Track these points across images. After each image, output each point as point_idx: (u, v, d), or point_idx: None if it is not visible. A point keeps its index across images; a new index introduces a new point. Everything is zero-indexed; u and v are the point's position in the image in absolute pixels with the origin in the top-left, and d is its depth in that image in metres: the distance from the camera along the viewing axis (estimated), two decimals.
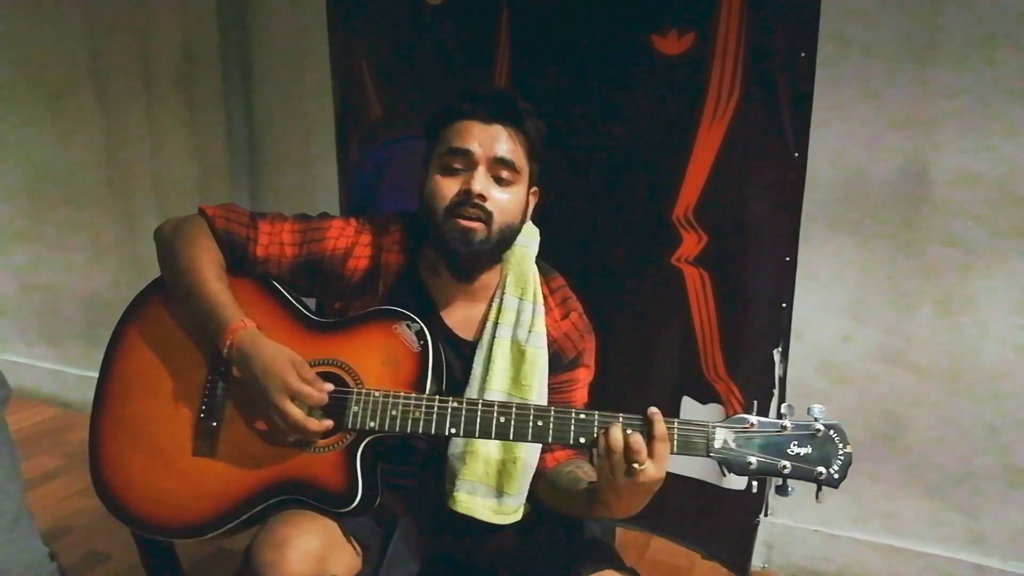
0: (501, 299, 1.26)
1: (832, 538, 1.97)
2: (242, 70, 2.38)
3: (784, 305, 1.88)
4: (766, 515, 2.01)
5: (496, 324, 1.24)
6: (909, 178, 1.74)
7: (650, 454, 1.01)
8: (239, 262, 1.26)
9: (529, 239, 1.32)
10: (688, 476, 2.07)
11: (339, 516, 1.12)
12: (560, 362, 1.28)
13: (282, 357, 1.13)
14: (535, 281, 1.29)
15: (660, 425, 1.02)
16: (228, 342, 1.15)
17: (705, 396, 2.02)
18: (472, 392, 1.22)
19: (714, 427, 1.03)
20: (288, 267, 1.26)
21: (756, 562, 2.04)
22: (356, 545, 1.13)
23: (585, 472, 1.20)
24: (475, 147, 1.18)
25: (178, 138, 2.47)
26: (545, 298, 1.29)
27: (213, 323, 1.17)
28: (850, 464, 1.01)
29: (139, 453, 1.19)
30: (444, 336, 1.25)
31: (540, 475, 1.23)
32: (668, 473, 2.01)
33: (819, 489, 1.02)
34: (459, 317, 1.28)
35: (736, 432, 1.03)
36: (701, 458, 1.93)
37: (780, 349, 1.91)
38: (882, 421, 1.87)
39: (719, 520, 2.05)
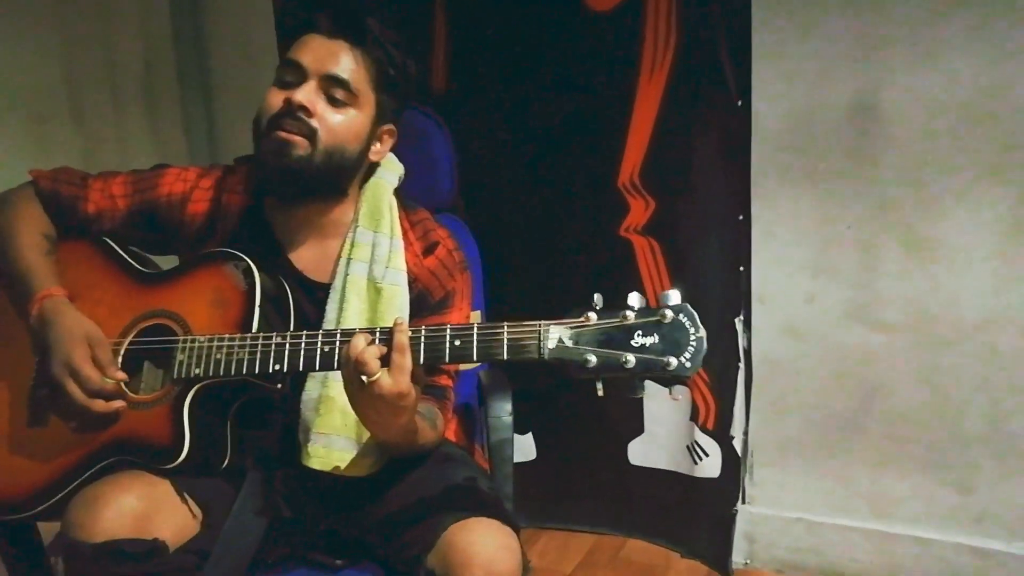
0: (354, 233, 1.16)
1: (817, 526, 1.77)
2: (200, 81, 2.40)
3: (742, 269, 1.75)
4: (743, 502, 1.84)
5: (349, 260, 1.15)
6: (860, 114, 1.59)
7: (386, 363, 0.94)
8: (72, 225, 1.20)
9: (388, 172, 1.23)
10: (658, 468, 1.92)
11: (173, 475, 1.04)
12: (426, 303, 1.18)
13: (78, 331, 1.06)
14: (392, 213, 1.19)
15: (399, 335, 0.94)
16: (33, 312, 1.09)
17: (668, 380, 1.87)
18: None
19: (546, 326, 0.90)
20: (121, 219, 1.19)
21: (738, 558, 1.85)
22: (194, 506, 1.04)
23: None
24: (307, 60, 1.10)
25: (143, 149, 2.49)
26: (405, 232, 1.20)
27: (24, 293, 1.11)
28: (704, 351, 0.86)
29: None
30: (295, 279, 1.16)
31: None
32: (635, 466, 1.95)
33: (671, 382, 0.89)
34: (310, 258, 1.18)
35: (572, 328, 0.89)
36: (668, 448, 1.89)
37: (742, 318, 1.76)
38: (858, 388, 1.69)
39: (695, 512, 1.89)
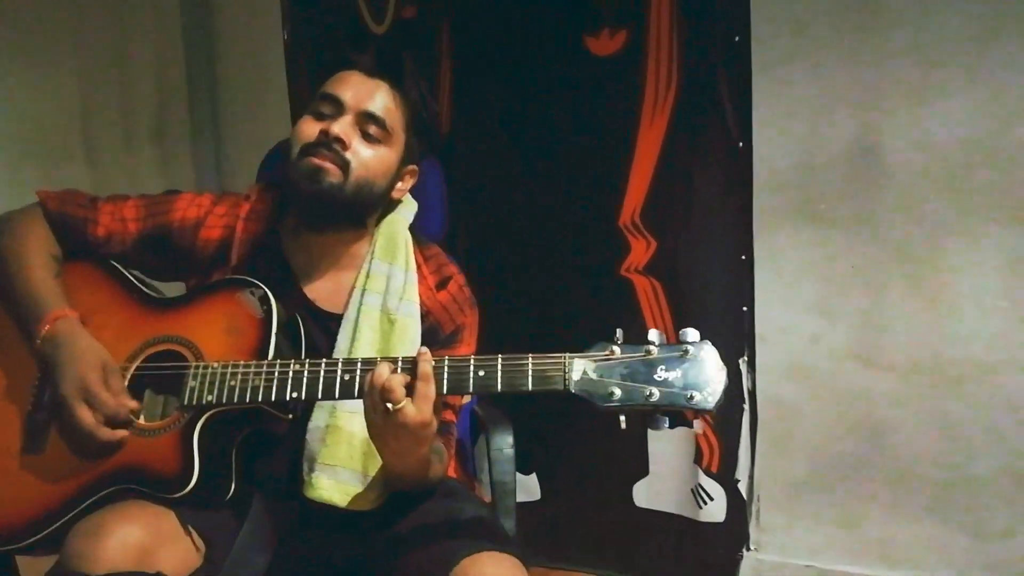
0: (370, 265, 1.18)
1: (826, 574, 1.73)
2: (210, 117, 2.44)
3: (745, 309, 1.74)
4: (749, 549, 1.80)
5: (364, 291, 1.16)
6: (861, 154, 1.60)
7: (411, 393, 0.95)
8: (79, 247, 1.19)
9: (405, 208, 1.26)
10: (660, 511, 1.89)
11: (178, 506, 1.01)
12: (436, 337, 1.18)
13: (92, 355, 1.06)
14: (407, 247, 1.21)
15: (423, 364, 0.95)
16: (42, 332, 1.07)
17: (672, 419, 1.84)
18: None
19: (571, 358, 0.92)
20: (132, 243, 1.19)
21: None
22: (197, 539, 1.02)
23: None
24: (347, 95, 1.14)
25: (154, 188, 2.52)
26: (419, 266, 1.22)
27: (32, 314, 1.10)
28: (725, 386, 0.89)
29: None
30: (306, 309, 1.16)
31: None
32: (641, 509, 1.92)
33: (694, 416, 0.90)
34: (324, 289, 1.19)
35: (597, 362, 0.91)
36: (672, 491, 1.86)
37: (745, 358, 1.75)
38: (864, 430, 1.66)
39: (700, 557, 1.85)
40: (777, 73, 1.64)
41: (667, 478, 1.88)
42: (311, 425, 1.10)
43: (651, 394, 0.89)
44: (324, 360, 1.02)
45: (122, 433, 1.04)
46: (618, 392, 0.90)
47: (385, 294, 1.16)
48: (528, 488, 2.00)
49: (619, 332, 0.93)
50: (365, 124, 1.14)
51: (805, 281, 1.69)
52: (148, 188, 2.54)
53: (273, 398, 1.01)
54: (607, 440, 1.92)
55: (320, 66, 2.15)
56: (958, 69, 1.51)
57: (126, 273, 1.19)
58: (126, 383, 1.08)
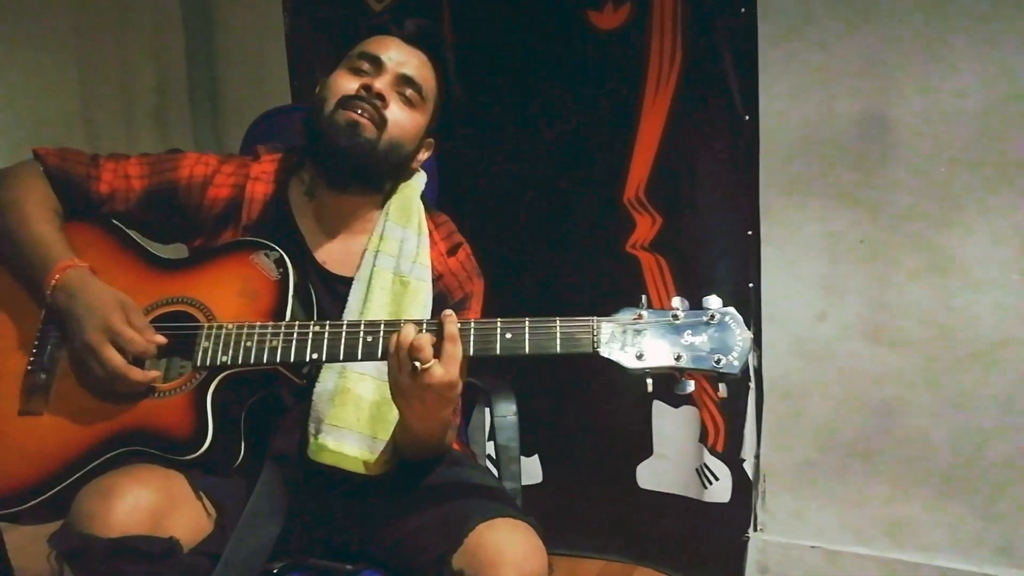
0: (383, 227, 1.16)
1: (833, 555, 1.70)
2: (210, 103, 2.43)
3: (751, 285, 1.71)
4: (756, 530, 1.78)
5: (377, 254, 1.14)
6: (869, 127, 1.56)
7: (438, 354, 0.94)
8: (80, 205, 1.16)
9: (417, 177, 1.25)
10: (667, 492, 1.87)
11: (189, 470, 0.99)
12: (445, 303, 1.16)
13: (110, 297, 1.03)
14: (420, 212, 1.21)
15: (450, 325, 0.94)
16: (52, 282, 1.04)
17: (677, 398, 1.83)
18: None
19: (599, 322, 0.94)
20: (136, 200, 1.17)
21: None
22: (208, 504, 1.00)
23: None
24: (388, 55, 1.14)
25: None
26: (431, 232, 1.21)
27: (38, 265, 1.07)
28: (749, 351, 0.92)
29: None
30: (316, 273, 1.14)
31: None
32: (645, 490, 1.90)
33: (719, 380, 0.93)
34: (333, 252, 1.18)
35: (624, 325, 0.93)
36: (677, 471, 1.83)
37: (751, 336, 1.71)
38: (873, 409, 1.63)
39: (705, 539, 1.83)
40: (784, 45, 1.61)
41: (672, 458, 1.85)
42: (319, 388, 1.08)
43: (679, 357, 0.91)
44: (346, 322, 1.01)
45: (155, 373, 1.02)
46: (646, 355, 0.91)
47: (399, 257, 1.15)
48: (530, 471, 1.97)
49: (644, 298, 0.95)
50: (402, 87, 1.14)
51: (812, 257, 1.66)
52: None
53: (292, 359, 0.99)
54: (610, 421, 1.89)
55: (321, 48, 2.13)
56: (968, 39, 1.48)
57: (130, 233, 1.16)
58: None
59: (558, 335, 0.94)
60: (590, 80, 1.77)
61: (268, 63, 2.29)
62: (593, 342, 0.93)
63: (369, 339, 0.98)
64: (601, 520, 1.96)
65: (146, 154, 1.22)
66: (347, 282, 1.15)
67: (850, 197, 1.61)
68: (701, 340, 0.91)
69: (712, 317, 0.92)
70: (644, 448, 1.88)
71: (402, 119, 1.14)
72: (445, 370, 0.93)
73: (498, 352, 0.95)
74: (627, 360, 0.92)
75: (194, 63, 2.42)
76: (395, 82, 1.13)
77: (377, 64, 1.13)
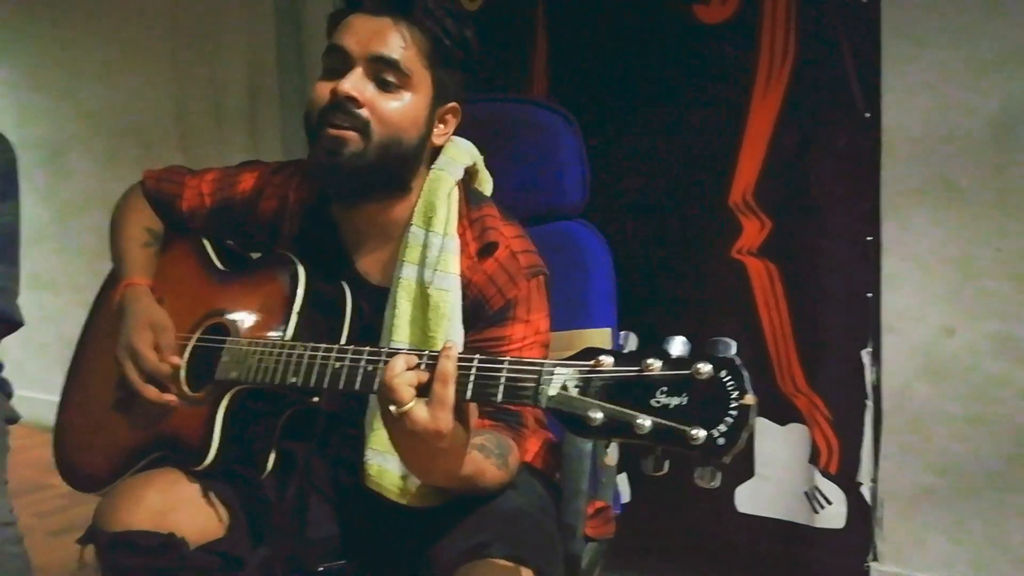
0: (408, 232, 1.05)
1: None
2: (299, 105, 2.42)
3: (870, 296, 1.59)
4: (874, 559, 1.64)
5: (402, 263, 1.04)
6: (1007, 125, 1.44)
7: (427, 393, 0.79)
8: (175, 223, 1.23)
9: (451, 162, 1.09)
10: (770, 517, 1.74)
11: (205, 477, 1.01)
12: (483, 314, 1.03)
13: (143, 318, 1.09)
14: (450, 209, 1.05)
15: (444, 362, 0.79)
16: (115, 300, 1.14)
17: (784, 415, 1.71)
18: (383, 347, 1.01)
19: (552, 367, 0.74)
20: (206, 218, 1.20)
21: None
22: (220, 508, 1.00)
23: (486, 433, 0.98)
24: (351, 43, 0.99)
25: None
26: (463, 232, 1.06)
27: (114, 283, 1.18)
28: (746, 424, 0.65)
29: (77, 408, 1.22)
30: (357, 283, 1.08)
31: None
32: (743, 515, 1.78)
33: (700, 463, 0.67)
34: (374, 261, 1.10)
35: (581, 373, 0.72)
36: (782, 495, 1.71)
37: (870, 350, 1.59)
38: (1008, 433, 1.49)
39: (815, 568, 1.70)
40: (911, 36, 1.49)
41: (776, 481, 1.73)
42: (367, 411, 1.02)
43: (640, 423, 0.67)
44: (323, 346, 0.92)
45: (169, 396, 1.05)
46: (599, 416, 0.69)
47: (421, 264, 1.03)
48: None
49: (630, 337, 0.79)
50: (379, 71, 0.99)
51: (940, 265, 1.53)
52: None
53: (278, 380, 0.94)
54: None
55: None
56: None
57: (206, 246, 1.20)
58: (187, 353, 1.08)
59: (502, 382, 0.77)
60: (695, 76, 1.69)
61: None
62: (537, 393, 0.74)
63: (369, 368, 0.86)
64: (694, 545, 1.85)
65: (225, 168, 1.22)
66: (382, 292, 1.06)
67: (984, 201, 1.48)
68: (678, 402, 0.67)
69: (698, 372, 0.66)
70: (744, 468, 1.76)
71: (388, 111, 0.99)
72: (431, 415, 0.78)
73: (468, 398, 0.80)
74: (574, 422, 0.71)
75: (284, 67, 2.44)
76: (368, 70, 0.99)
77: (344, 56, 0.99)
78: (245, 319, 1.06)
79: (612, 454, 0.73)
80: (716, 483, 0.67)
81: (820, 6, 1.56)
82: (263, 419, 1.03)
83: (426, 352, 0.83)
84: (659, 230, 1.75)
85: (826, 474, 1.65)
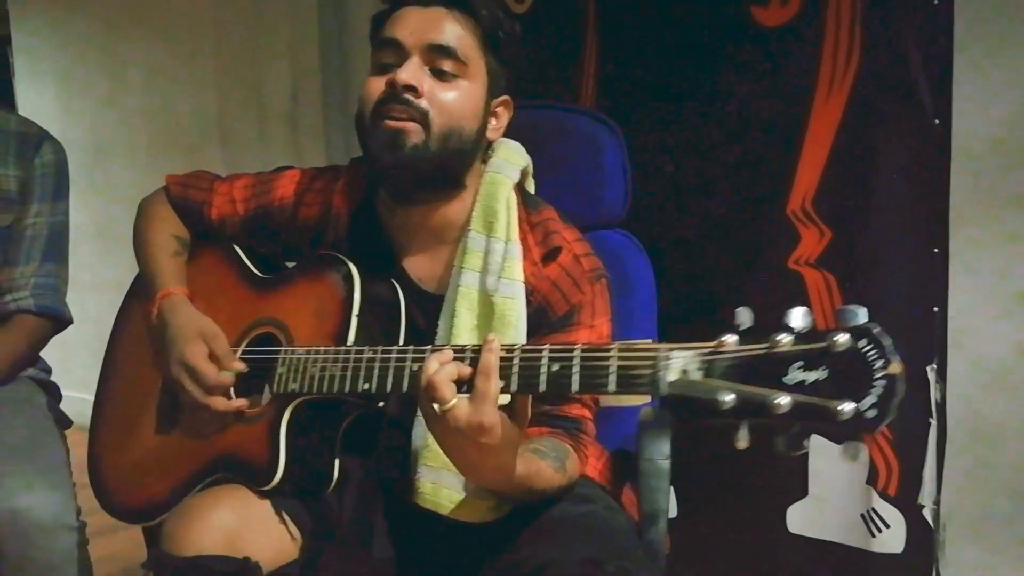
0: (466, 238, 1.03)
1: None
2: (341, 108, 2.42)
3: (936, 310, 1.52)
4: None
5: (461, 270, 1.02)
6: None
7: (470, 389, 0.79)
8: (202, 231, 1.18)
9: (507, 164, 1.07)
10: (823, 539, 1.67)
11: (272, 496, 0.96)
12: (546, 320, 1.01)
13: (192, 327, 1.03)
14: (510, 213, 1.03)
15: (487, 355, 0.78)
16: (154, 312, 1.08)
17: (840, 432, 1.64)
18: None
19: (668, 351, 0.70)
20: (239, 225, 1.15)
21: None
22: (293, 528, 0.95)
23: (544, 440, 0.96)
24: (404, 34, 0.98)
25: None
26: (524, 236, 1.04)
27: (150, 293, 1.12)
28: (898, 395, 0.62)
29: (115, 431, 1.16)
30: (408, 288, 1.05)
31: None
32: (795, 536, 1.71)
33: (845, 437, 0.66)
34: (426, 266, 1.07)
35: (702, 356, 0.68)
36: (837, 516, 1.65)
37: (935, 366, 1.52)
38: None
39: None
40: (986, 41, 1.43)
41: (831, 502, 1.66)
42: (418, 418, 0.99)
43: (779, 403, 0.63)
44: (395, 348, 0.90)
45: (239, 402, 0.98)
46: (730, 398, 0.65)
47: (483, 272, 1.01)
48: None
49: (743, 312, 0.71)
50: (435, 61, 0.98)
51: (1011, 279, 1.46)
52: None
53: (348, 388, 0.91)
54: (759, 454, 1.72)
55: None
56: None
57: (240, 254, 1.16)
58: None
59: (613, 370, 0.74)
60: (753, 80, 1.63)
61: None
62: (655, 380, 0.70)
63: (415, 368, 0.85)
64: (742, 565, 1.78)
65: (258, 174, 1.18)
66: (439, 300, 1.04)
67: None
68: (817, 377, 0.64)
69: (835, 343, 0.63)
70: (798, 488, 1.69)
71: (447, 100, 0.97)
72: (474, 410, 0.77)
73: (544, 389, 0.78)
74: (702, 407, 0.67)
75: (328, 67, 2.43)
76: (425, 60, 0.97)
77: (398, 48, 0.98)
78: (298, 327, 1.01)
79: (743, 439, 0.67)
80: (803, 451, 0.66)
81: (887, 8, 1.50)
82: (323, 431, 0.98)
83: (468, 346, 0.82)
84: (713, 239, 1.70)
85: (884, 496, 1.58)
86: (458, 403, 0.78)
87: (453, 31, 0.98)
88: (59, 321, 1.42)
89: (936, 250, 1.51)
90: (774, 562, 1.74)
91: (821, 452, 1.65)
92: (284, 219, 1.12)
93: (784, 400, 0.63)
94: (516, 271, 1.00)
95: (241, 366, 1.01)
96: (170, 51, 2.86)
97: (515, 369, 0.78)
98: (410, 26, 0.98)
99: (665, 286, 1.70)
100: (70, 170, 1.49)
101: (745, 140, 1.65)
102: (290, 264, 1.18)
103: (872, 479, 1.59)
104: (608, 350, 0.74)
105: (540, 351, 0.78)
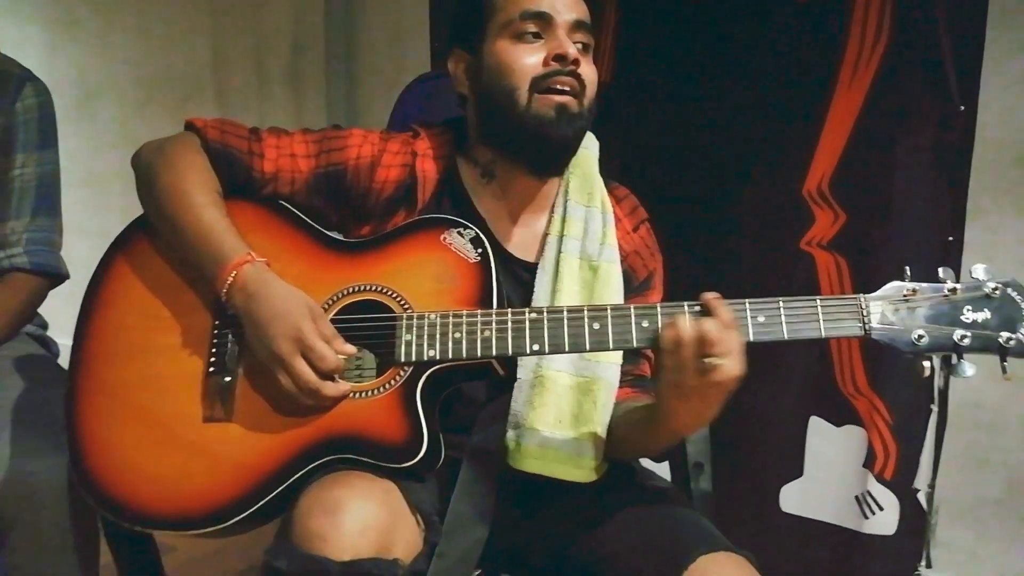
0: (564, 208, 1.06)
1: None
2: (345, 63, 2.35)
3: None
4: (928, 566, 1.59)
5: (561, 238, 1.04)
6: None
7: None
8: (241, 183, 1.05)
9: (591, 142, 1.13)
10: (817, 519, 1.69)
11: (400, 480, 0.88)
12: (630, 284, 1.08)
13: (297, 300, 0.93)
14: (602, 187, 1.10)
15: (725, 313, 0.84)
16: (228, 280, 0.94)
17: (840, 416, 1.65)
18: None
19: (867, 300, 0.87)
20: (303, 183, 1.05)
21: None
22: (420, 519, 0.89)
23: (641, 400, 1.02)
24: (555, 7, 1.00)
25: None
26: (613, 208, 1.11)
27: (210, 259, 0.96)
28: None
29: (132, 425, 0.97)
30: (500, 257, 1.01)
31: None
32: (788, 515, 1.73)
33: (1004, 360, 0.85)
34: (515, 235, 1.08)
35: (895, 303, 0.86)
36: (831, 497, 1.66)
37: (940, 355, 1.53)
38: None
39: (859, 573, 1.64)
40: (1018, 28, 1.42)
41: (825, 482, 1.68)
42: (515, 395, 0.99)
43: (963, 337, 0.84)
44: (565, 307, 0.91)
45: (347, 386, 0.92)
46: (926, 337, 0.85)
47: (584, 239, 1.05)
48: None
49: (907, 269, 0.89)
50: (576, 35, 1.02)
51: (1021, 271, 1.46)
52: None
53: (509, 351, 0.89)
54: (756, 432, 1.73)
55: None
56: None
57: (300, 214, 1.05)
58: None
59: (820, 316, 0.86)
60: (778, 56, 1.60)
61: (407, 25, 2.21)
62: (863, 323, 0.85)
63: (597, 326, 0.88)
64: (733, 541, 1.79)
65: (307, 130, 1.10)
66: (530, 268, 1.05)
67: None
68: (984, 317, 0.85)
69: (994, 290, 0.85)
70: (793, 468, 1.71)
71: (591, 74, 1.02)
72: (733, 362, 0.82)
73: (751, 339, 0.86)
74: (903, 343, 0.85)
75: (332, 21, 2.34)
76: (571, 34, 1.01)
77: (545, 21, 1.00)
78: (417, 293, 0.95)
79: (927, 368, 0.87)
80: (1011, 377, 0.84)
81: None
82: (434, 401, 0.93)
83: (683, 304, 0.87)
84: (727, 216, 1.68)
85: (880, 480, 1.59)
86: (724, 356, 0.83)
87: (584, 8, 1.04)
88: (56, 277, 1.36)
89: (951, 239, 1.50)
90: (766, 539, 1.75)
91: (819, 433, 1.67)
92: (358, 180, 1.05)
93: (966, 334, 0.84)
94: (614, 238, 1.07)
95: (353, 349, 0.93)
96: None
97: (748, 319, 0.87)
98: (552, 1, 1.01)
99: (676, 264, 1.70)
100: (56, 112, 1.40)
101: (764, 117, 1.63)
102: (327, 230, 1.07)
103: (869, 463, 1.60)
104: (811, 300, 0.87)
105: (742, 304, 0.87)
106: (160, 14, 2.78)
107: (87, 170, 2.96)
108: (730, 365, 0.82)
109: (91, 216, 2.88)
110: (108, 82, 2.99)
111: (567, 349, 0.89)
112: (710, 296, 0.85)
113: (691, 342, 0.82)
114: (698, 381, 0.83)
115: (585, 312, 0.90)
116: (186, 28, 2.71)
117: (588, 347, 0.89)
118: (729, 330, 0.83)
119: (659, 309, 0.88)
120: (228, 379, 0.96)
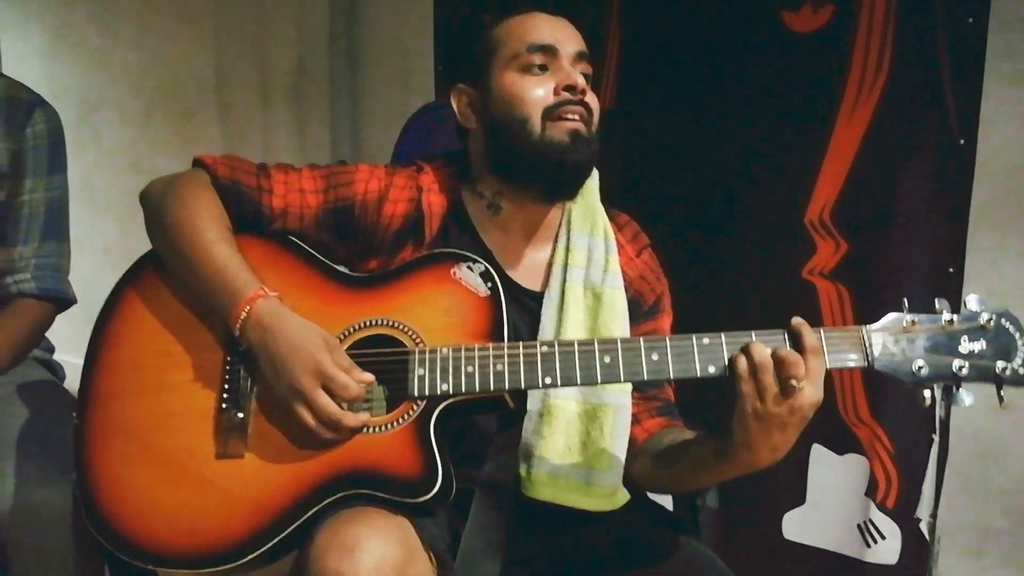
0: (568, 237, 1.08)
1: None
2: (350, 83, 2.37)
3: None
4: None
5: (566, 267, 1.06)
6: None
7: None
8: (250, 220, 1.05)
9: (593, 176, 1.15)
10: (817, 547, 1.69)
11: (413, 516, 0.89)
12: (640, 309, 1.10)
13: (313, 334, 0.93)
14: (603, 215, 1.12)
15: (810, 335, 0.85)
16: (242, 316, 0.94)
17: (842, 444, 1.66)
18: None
19: (868, 331, 0.88)
20: (312, 218, 1.05)
21: None
22: (433, 557, 0.89)
23: (688, 435, 1.01)
24: (558, 39, 1.04)
25: (288, 147, 2.46)
26: (615, 235, 1.13)
27: (223, 294, 0.96)
28: None
29: (144, 463, 0.96)
30: (506, 286, 1.02)
31: (634, 453, 1.04)
32: (790, 542, 1.73)
33: (1000, 389, 0.87)
34: (520, 265, 1.09)
35: (895, 334, 0.87)
36: (833, 525, 1.66)
37: (940, 385, 1.53)
38: None
39: None
40: (1017, 62, 1.43)
41: (827, 510, 1.68)
42: (525, 425, 1.00)
43: (961, 367, 0.86)
44: (576, 341, 0.92)
45: (365, 417, 0.92)
46: (926, 367, 0.86)
47: (588, 267, 1.07)
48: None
49: (905, 301, 0.90)
50: (579, 65, 1.05)
51: (1021, 303, 1.47)
52: (282, 149, 2.49)
53: (522, 384, 0.90)
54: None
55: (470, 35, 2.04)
56: None
57: (311, 250, 1.06)
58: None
59: (825, 348, 0.86)
60: (780, 87, 1.62)
61: (411, 47, 2.22)
62: (866, 355, 0.87)
63: (607, 359, 0.89)
64: (734, 569, 1.79)
65: (314, 165, 1.10)
66: (535, 297, 1.06)
67: None
68: (980, 347, 0.87)
69: (989, 322, 0.87)
70: (795, 495, 1.71)
71: (596, 103, 1.06)
72: (814, 388, 0.83)
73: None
74: (904, 374, 0.86)
75: (336, 42, 2.36)
76: (575, 65, 1.04)
77: (551, 53, 1.03)
78: (430, 327, 0.96)
79: (927, 398, 0.88)
80: (1008, 407, 0.86)
81: (921, 23, 1.49)
82: (445, 435, 0.93)
83: (752, 333, 0.87)
84: (728, 245, 1.69)
85: (882, 508, 1.60)
86: (805, 382, 0.83)
87: (582, 39, 1.07)
88: (63, 302, 1.36)
89: (951, 270, 1.51)
90: (769, 567, 1.75)
91: (822, 461, 1.67)
92: (366, 215, 1.05)
93: (964, 364, 0.85)
94: (617, 265, 1.09)
95: (371, 378, 0.94)
96: (165, 7, 2.74)
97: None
98: (557, 31, 1.04)
99: (678, 293, 1.71)
100: None
101: (766, 147, 1.64)
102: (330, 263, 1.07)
103: (871, 491, 1.61)
104: (816, 332, 0.87)
105: (747, 335, 0.87)
106: (163, 29, 2.78)
107: (87, 185, 2.96)
108: (811, 391, 0.82)
109: (91, 231, 2.89)
110: (110, 97, 2.98)
111: (579, 382, 0.91)
112: (796, 321, 0.87)
113: (763, 368, 0.82)
114: (779, 408, 0.82)
115: (596, 345, 0.91)
116: (188, 45, 2.71)
117: (600, 380, 0.90)
118: (810, 355, 0.83)
119: (724, 338, 0.87)
120: (241, 415, 0.96)
